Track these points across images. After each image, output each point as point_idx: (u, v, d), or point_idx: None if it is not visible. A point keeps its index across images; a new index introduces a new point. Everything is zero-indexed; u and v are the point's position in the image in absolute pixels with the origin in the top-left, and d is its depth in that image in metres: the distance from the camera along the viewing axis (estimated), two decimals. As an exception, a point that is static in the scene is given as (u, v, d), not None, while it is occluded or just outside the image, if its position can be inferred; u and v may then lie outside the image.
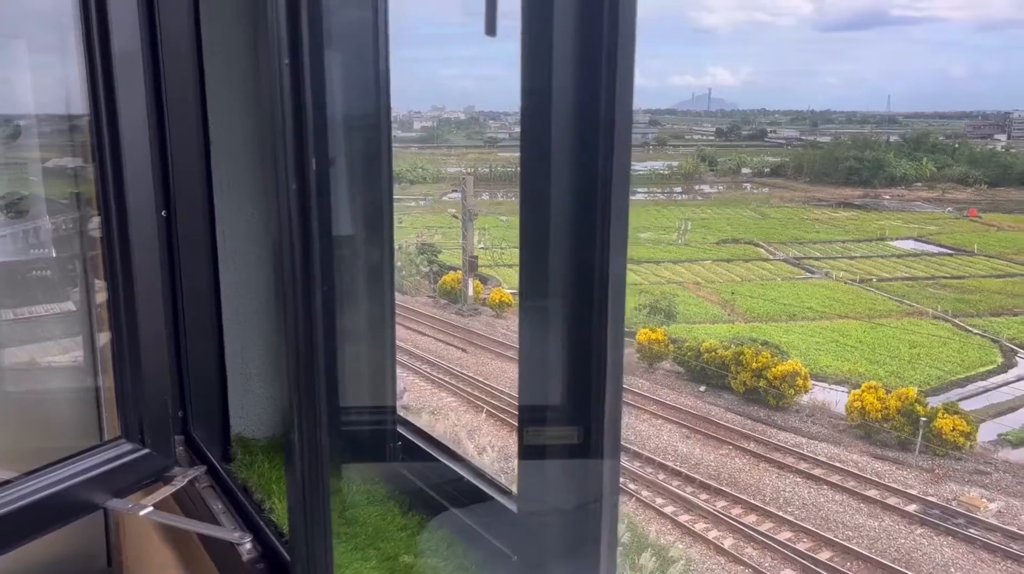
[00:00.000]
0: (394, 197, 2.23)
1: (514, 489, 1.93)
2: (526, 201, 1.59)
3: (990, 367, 29.39)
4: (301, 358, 1.43)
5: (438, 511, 2.04)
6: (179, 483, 2.04)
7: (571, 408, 1.68)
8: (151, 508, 1.91)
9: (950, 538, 17.43)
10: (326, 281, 1.53)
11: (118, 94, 1.91)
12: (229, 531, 1.85)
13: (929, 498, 18.92)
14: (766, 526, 17.88)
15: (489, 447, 18.77)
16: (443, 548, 1.90)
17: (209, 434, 2.30)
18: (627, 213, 1.54)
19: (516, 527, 1.82)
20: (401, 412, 2.44)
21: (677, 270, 44.51)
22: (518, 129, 1.56)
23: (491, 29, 1.59)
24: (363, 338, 2.22)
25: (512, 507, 1.89)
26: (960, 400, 25.20)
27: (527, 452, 1.79)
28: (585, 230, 1.53)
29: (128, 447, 2.03)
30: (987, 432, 23.13)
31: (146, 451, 2.06)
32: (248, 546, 1.79)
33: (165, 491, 2.01)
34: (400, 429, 2.28)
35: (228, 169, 2.27)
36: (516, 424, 1.78)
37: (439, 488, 2.09)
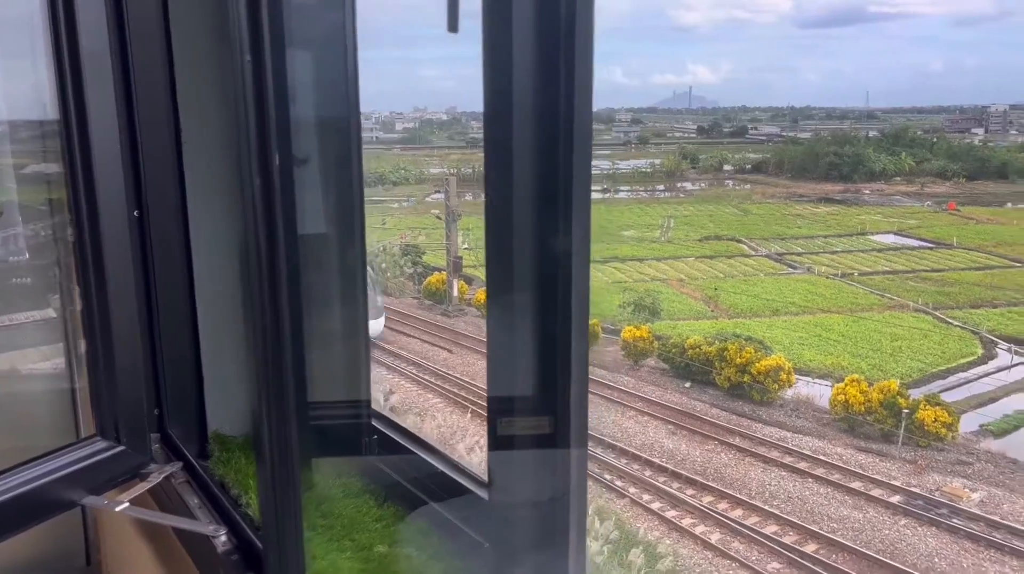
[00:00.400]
0: (373, 197, 2.27)
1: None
2: (491, 200, 1.63)
3: (971, 358, 29.73)
4: (268, 354, 1.45)
5: (413, 503, 2.07)
6: (155, 479, 2.06)
7: (539, 399, 1.72)
8: (127, 504, 1.92)
9: (934, 528, 17.62)
10: (294, 278, 1.55)
11: (87, 94, 1.92)
12: (204, 524, 1.87)
13: (912, 489, 19.12)
14: (752, 520, 18.01)
15: (478, 447, 18.80)
16: (417, 538, 1.93)
17: (186, 431, 2.31)
18: (589, 210, 1.59)
19: (488, 516, 1.86)
20: (388, 414, 2.46)
21: (661, 267, 44.70)
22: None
23: (453, 26, 1.63)
24: (336, 335, 2.24)
25: (485, 497, 1.93)
26: (942, 392, 25.46)
27: (497, 442, 1.82)
28: (548, 227, 1.58)
29: (103, 445, 2.05)
30: (969, 423, 23.39)
31: (121, 448, 2.07)
32: (223, 538, 1.82)
33: (141, 487, 2.03)
34: (375, 423, 2.30)
35: (201, 166, 2.28)
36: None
37: (414, 480, 2.12)
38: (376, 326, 28.39)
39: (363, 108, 2.18)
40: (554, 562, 1.74)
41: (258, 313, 1.43)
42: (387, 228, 48.35)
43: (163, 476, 2.08)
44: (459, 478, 2.03)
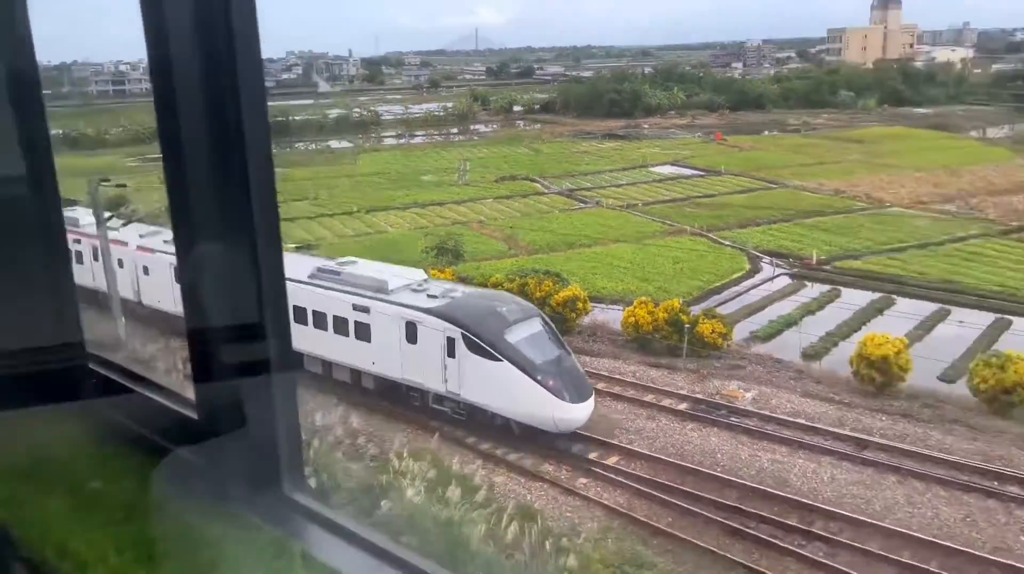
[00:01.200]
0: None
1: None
2: (165, 151, 1.67)
3: (740, 273, 32.88)
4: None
5: (135, 438, 2.06)
6: None
7: (238, 329, 1.78)
8: None
9: (715, 428, 19.52)
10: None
11: None
12: None
13: (696, 395, 21.01)
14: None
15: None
16: (135, 468, 1.93)
17: None
18: (269, 148, 1.66)
19: (202, 438, 1.90)
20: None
21: (460, 210, 45.27)
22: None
23: None
24: (31, 282, 2.15)
25: (201, 421, 1.96)
26: (718, 306, 28.05)
27: (210, 371, 1.86)
28: (225, 172, 1.63)
29: None
30: (741, 331, 25.96)
31: None
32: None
33: None
34: (94, 366, 2.25)
35: None
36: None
37: (135, 416, 2.11)
38: (582, 411, 18.32)
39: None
40: (269, 475, 1.82)
41: None
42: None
43: None
44: (180, 407, 2.05)
